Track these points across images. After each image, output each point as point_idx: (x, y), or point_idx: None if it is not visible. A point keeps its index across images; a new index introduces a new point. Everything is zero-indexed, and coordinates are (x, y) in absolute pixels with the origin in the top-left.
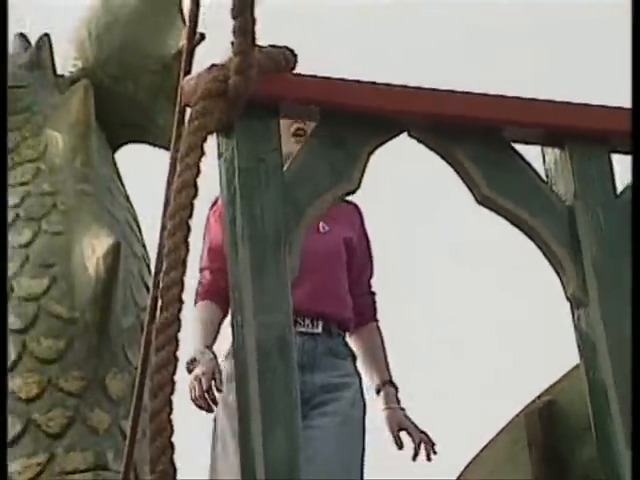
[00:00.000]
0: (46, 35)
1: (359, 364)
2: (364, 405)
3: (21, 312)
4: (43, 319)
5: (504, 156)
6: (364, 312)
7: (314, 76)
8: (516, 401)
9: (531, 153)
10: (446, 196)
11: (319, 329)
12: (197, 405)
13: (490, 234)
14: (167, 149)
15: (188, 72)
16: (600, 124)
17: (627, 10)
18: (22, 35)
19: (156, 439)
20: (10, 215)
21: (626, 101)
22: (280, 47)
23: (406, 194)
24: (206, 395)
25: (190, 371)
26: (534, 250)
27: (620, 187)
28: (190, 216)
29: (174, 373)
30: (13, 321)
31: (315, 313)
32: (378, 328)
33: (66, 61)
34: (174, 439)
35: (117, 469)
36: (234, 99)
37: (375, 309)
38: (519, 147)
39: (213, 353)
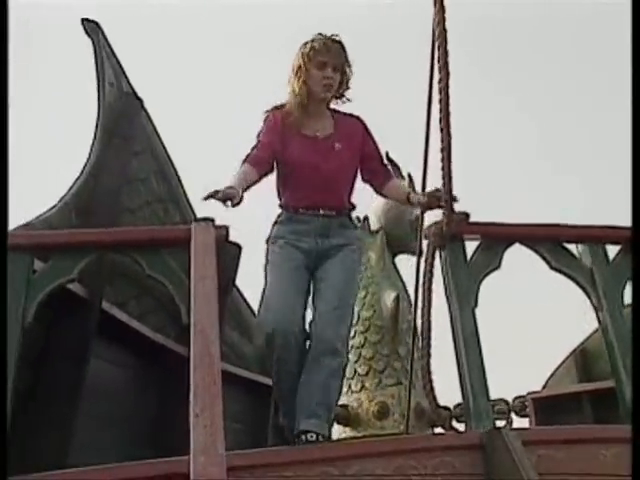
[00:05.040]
0: (365, 218)
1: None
2: (360, 254)
3: (363, 325)
4: (372, 327)
5: (559, 249)
6: (384, 175)
7: (477, 222)
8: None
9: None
10: (537, 266)
11: (334, 212)
12: (208, 195)
13: (556, 282)
14: (413, 255)
15: (422, 223)
16: (599, 234)
17: None
18: (365, 218)
19: (425, 376)
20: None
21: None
22: (463, 213)
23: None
24: (213, 196)
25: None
26: (575, 287)
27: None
28: (431, 290)
29: (430, 345)
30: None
31: (332, 205)
32: (394, 180)
33: (373, 223)
34: None
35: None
36: (445, 235)
37: (389, 172)
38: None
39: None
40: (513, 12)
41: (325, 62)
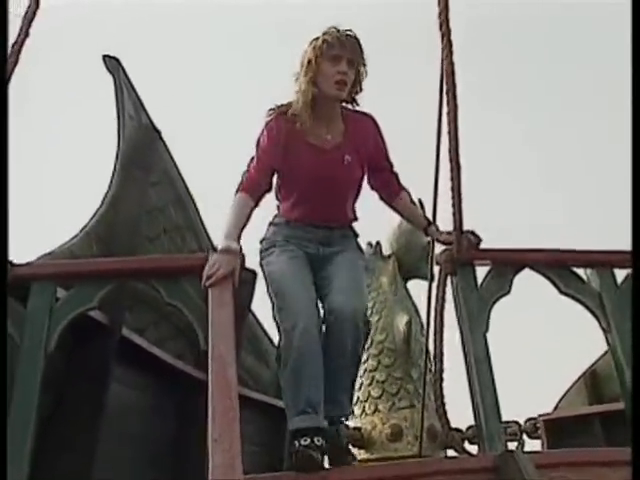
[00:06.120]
0: (378, 243)
1: (405, 214)
2: (362, 260)
3: (376, 349)
4: (385, 351)
5: (568, 274)
6: (393, 185)
7: (487, 249)
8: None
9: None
10: (547, 291)
11: (336, 224)
12: (206, 277)
13: (567, 306)
14: (425, 280)
15: (433, 249)
16: (607, 259)
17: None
18: (378, 244)
19: (437, 399)
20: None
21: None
22: (471, 232)
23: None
24: (210, 281)
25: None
26: (584, 311)
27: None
28: (443, 315)
29: (442, 368)
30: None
31: (336, 218)
32: (407, 192)
33: (385, 249)
34: None
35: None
36: (456, 262)
37: (399, 181)
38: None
39: (239, 246)
40: (510, 22)
41: (340, 56)
